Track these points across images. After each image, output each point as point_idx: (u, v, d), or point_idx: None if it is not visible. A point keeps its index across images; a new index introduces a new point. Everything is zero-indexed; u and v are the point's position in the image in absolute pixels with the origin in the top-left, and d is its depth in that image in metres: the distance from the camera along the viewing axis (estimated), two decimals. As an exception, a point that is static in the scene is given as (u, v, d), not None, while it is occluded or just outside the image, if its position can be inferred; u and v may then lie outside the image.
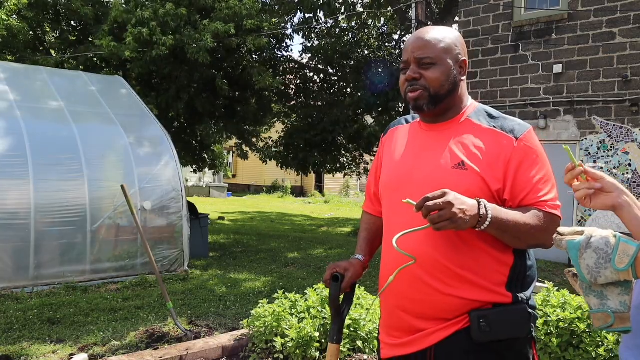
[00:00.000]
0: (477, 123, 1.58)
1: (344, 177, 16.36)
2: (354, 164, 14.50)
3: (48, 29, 11.24)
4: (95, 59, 10.47)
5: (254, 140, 14.02)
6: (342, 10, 12.50)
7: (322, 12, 12.17)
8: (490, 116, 1.60)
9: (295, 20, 13.83)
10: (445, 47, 1.54)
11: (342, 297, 1.72)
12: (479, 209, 1.37)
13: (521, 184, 1.49)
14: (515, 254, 1.52)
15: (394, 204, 1.61)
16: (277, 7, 12.41)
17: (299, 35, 12.94)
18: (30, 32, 10.40)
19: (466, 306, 1.50)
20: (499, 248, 1.50)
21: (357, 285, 1.95)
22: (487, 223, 1.38)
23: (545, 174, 1.53)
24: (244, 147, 13.72)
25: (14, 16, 9.78)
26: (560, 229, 1.18)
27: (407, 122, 1.77)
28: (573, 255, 1.12)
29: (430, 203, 1.32)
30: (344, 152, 13.71)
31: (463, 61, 1.58)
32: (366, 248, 1.81)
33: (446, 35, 1.57)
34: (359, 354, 3.83)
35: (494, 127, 1.55)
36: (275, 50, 12.99)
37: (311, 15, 12.49)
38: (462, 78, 1.59)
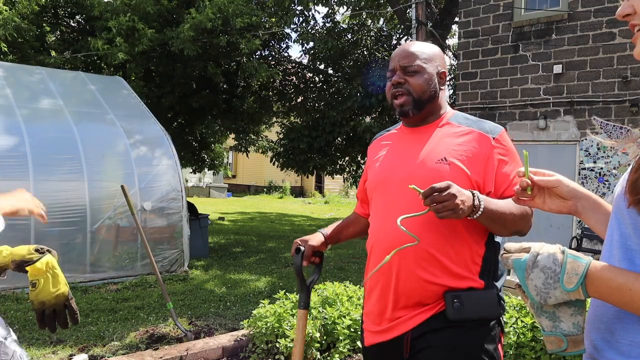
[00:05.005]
0: (456, 124, 1.76)
1: (344, 181, 16.32)
2: (353, 165, 14.45)
3: (48, 29, 11.24)
4: (95, 58, 10.47)
5: (254, 137, 14.04)
6: (336, 3, 12.41)
7: (318, 4, 12.07)
8: (468, 119, 1.79)
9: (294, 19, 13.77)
10: (427, 59, 1.74)
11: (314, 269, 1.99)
12: (473, 199, 1.50)
13: (501, 178, 1.66)
14: (486, 246, 1.66)
15: (380, 201, 1.77)
16: (273, 8, 12.33)
17: (296, 32, 12.84)
18: (31, 32, 10.40)
19: (444, 293, 1.63)
20: (476, 239, 1.65)
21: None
22: (479, 213, 1.51)
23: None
24: (243, 142, 13.76)
25: (19, 16, 9.78)
26: (507, 245, 1.09)
27: (389, 131, 1.95)
28: (519, 276, 1.04)
29: (437, 194, 1.43)
30: (339, 155, 13.65)
31: (443, 73, 1.78)
32: (334, 229, 2.05)
33: (428, 49, 1.79)
34: (359, 354, 3.83)
35: (472, 127, 1.73)
36: (273, 53, 12.95)
37: (304, 7, 12.40)
38: (442, 87, 1.79)
